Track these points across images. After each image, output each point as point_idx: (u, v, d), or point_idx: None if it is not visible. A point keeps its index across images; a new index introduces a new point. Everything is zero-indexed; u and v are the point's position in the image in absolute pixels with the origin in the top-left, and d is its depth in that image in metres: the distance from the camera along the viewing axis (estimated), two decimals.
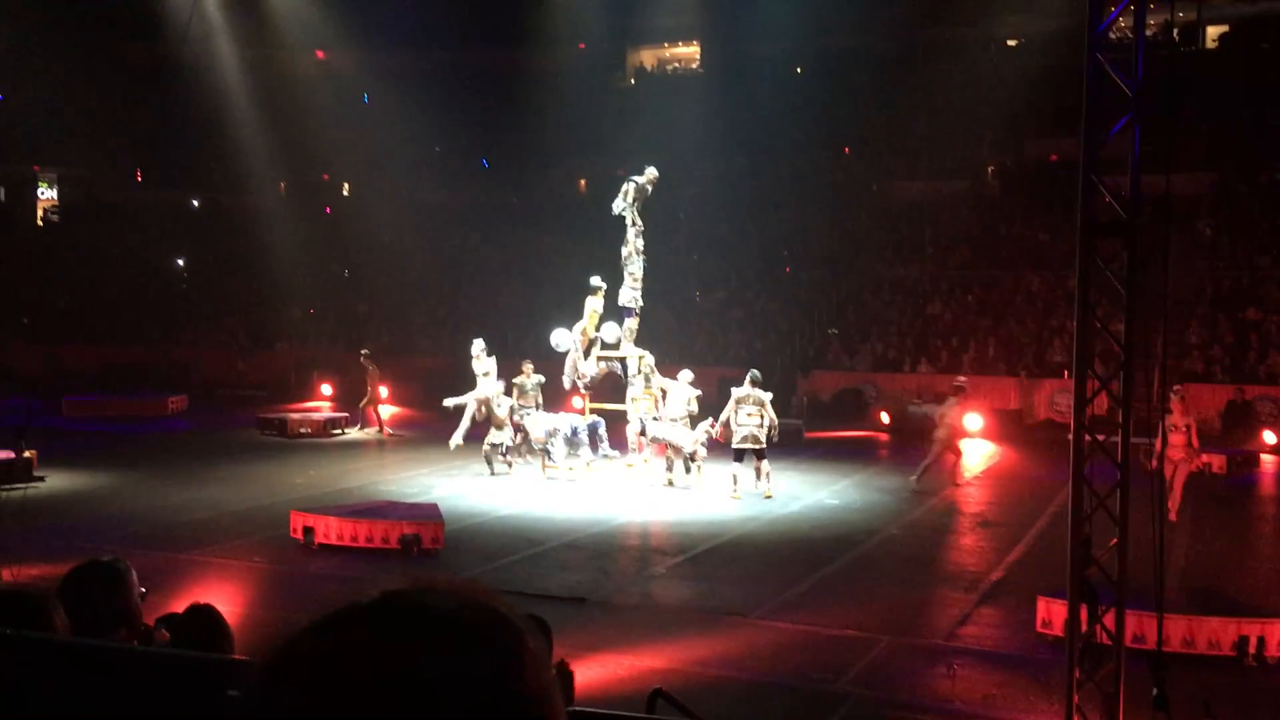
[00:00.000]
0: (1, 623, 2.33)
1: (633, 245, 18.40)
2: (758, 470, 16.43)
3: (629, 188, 18.47)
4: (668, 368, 18.35)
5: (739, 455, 16.50)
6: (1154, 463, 9.54)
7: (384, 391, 23.41)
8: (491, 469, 17.90)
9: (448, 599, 0.94)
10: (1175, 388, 16.59)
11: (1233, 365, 24.24)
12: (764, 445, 16.43)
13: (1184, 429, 14.59)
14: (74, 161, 40.08)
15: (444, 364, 30.32)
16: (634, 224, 18.39)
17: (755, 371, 17.02)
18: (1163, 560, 9.06)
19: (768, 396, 16.64)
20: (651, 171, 18.70)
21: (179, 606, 7.24)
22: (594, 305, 18.45)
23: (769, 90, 33.94)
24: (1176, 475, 14.57)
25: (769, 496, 16.27)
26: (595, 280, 18.55)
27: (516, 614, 0.96)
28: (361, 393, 23.16)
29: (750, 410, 16.42)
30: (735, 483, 16.41)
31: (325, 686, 0.89)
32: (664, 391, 17.93)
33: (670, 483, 17.27)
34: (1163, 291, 7.73)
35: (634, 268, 18.41)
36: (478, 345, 18.70)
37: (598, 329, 18.46)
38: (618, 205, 18.56)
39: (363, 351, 23.53)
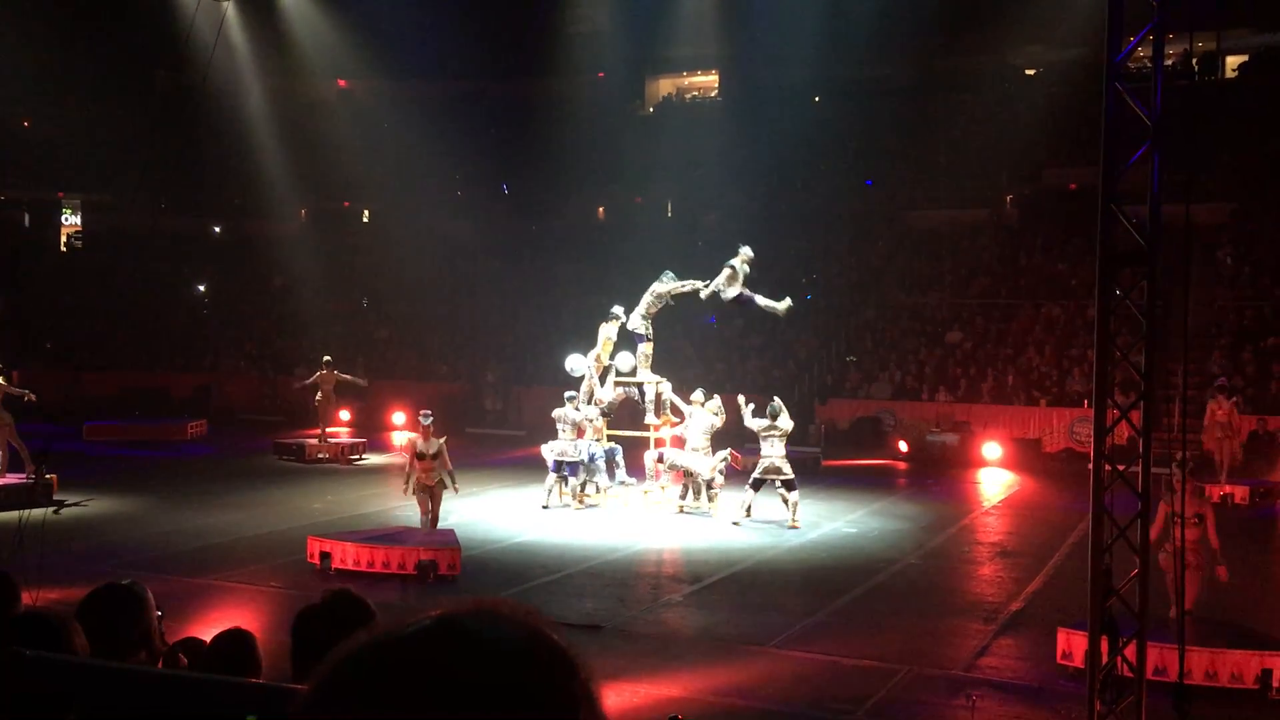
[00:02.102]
0: (23, 645, 2.35)
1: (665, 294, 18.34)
2: (784, 500, 16.34)
3: (727, 273, 18.34)
4: (686, 395, 18.26)
5: (757, 485, 16.42)
6: (1176, 494, 9.45)
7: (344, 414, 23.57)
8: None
9: (510, 629, 0.90)
10: (1221, 381, 16.84)
11: (1255, 396, 24.05)
12: (791, 476, 16.33)
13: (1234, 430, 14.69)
14: (98, 188, 40.45)
15: (462, 390, 30.44)
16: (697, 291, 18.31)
17: (777, 400, 16.96)
18: (1184, 592, 8.99)
19: (789, 426, 16.55)
20: (747, 252, 18.57)
21: (197, 630, 7.26)
22: (608, 333, 18.46)
23: (787, 119, 34.04)
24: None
25: (794, 527, 16.15)
26: (615, 309, 18.60)
27: (577, 650, 0.93)
28: (327, 398, 23.12)
29: (775, 440, 16.32)
30: (748, 512, 16.33)
31: (376, 713, 0.84)
32: (675, 414, 17.90)
33: (683, 509, 17.21)
34: (1183, 322, 7.69)
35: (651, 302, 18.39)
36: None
37: (612, 356, 18.45)
38: (717, 286, 18.27)
39: (325, 359, 23.50)
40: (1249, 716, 8.73)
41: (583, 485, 17.63)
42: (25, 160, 37.80)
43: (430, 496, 14.57)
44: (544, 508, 17.32)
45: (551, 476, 17.55)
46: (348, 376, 23.42)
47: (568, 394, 17.97)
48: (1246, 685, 9.29)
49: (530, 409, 27.33)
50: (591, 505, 17.63)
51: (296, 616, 3.06)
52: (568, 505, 17.56)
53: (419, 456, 14.53)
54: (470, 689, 0.84)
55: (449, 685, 0.85)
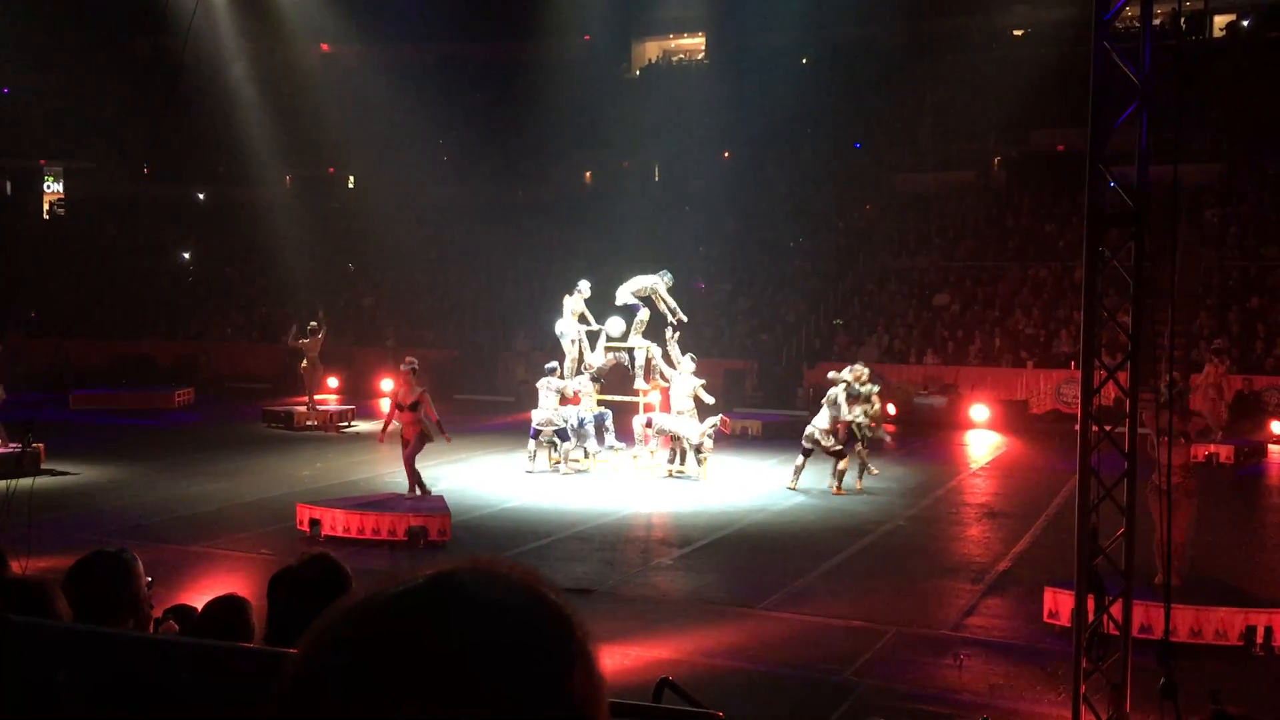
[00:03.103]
0: (8, 611, 2.34)
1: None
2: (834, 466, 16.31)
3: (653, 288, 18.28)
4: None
5: (806, 450, 16.39)
6: (1162, 451, 9.51)
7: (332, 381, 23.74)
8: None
9: (506, 588, 0.89)
10: (1218, 343, 17.02)
11: (1240, 356, 24.17)
12: (824, 445, 16.06)
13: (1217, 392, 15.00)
14: (80, 155, 40.13)
15: (449, 356, 30.38)
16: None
17: (853, 367, 16.82)
18: (1170, 550, 9.06)
19: (839, 391, 16.09)
20: (667, 277, 18.49)
21: (187, 598, 7.27)
22: (573, 306, 18.32)
23: (774, 81, 33.88)
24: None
25: (838, 492, 16.12)
26: (581, 283, 18.44)
27: (573, 609, 0.91)
28: (313, 365, 22.93)
29: (824, 407, 16.20)
30: (795, 475, 16.42)
31: (369, 673, 0.83)
32: (665, 379, 17.89)
33: (672, 474, 17.27)
34: (1170, 282, 7.71)
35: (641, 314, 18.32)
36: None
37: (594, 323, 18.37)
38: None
39: (311, 325, 23.16)
40: (1233, 672, 8.83)
41: (567, 453, 17.63)
42: (6, 128, 37.41)
43: (405, 455, 14.27)
44: (527, 473, 17.37)
45: (532, 443, 17.59)
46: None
47: (548, 365, 17.99)
48: (1231, 642, 9.38)
49: (517, 374, 27.33)
50: (580, 470, 17.66)
51: (271, 579, 3.05)
52: (558, 469, 17.58)
53: (399, 407, 14.41)
54: (465, 648, 0.84)
55: (443, 644, 0.84)
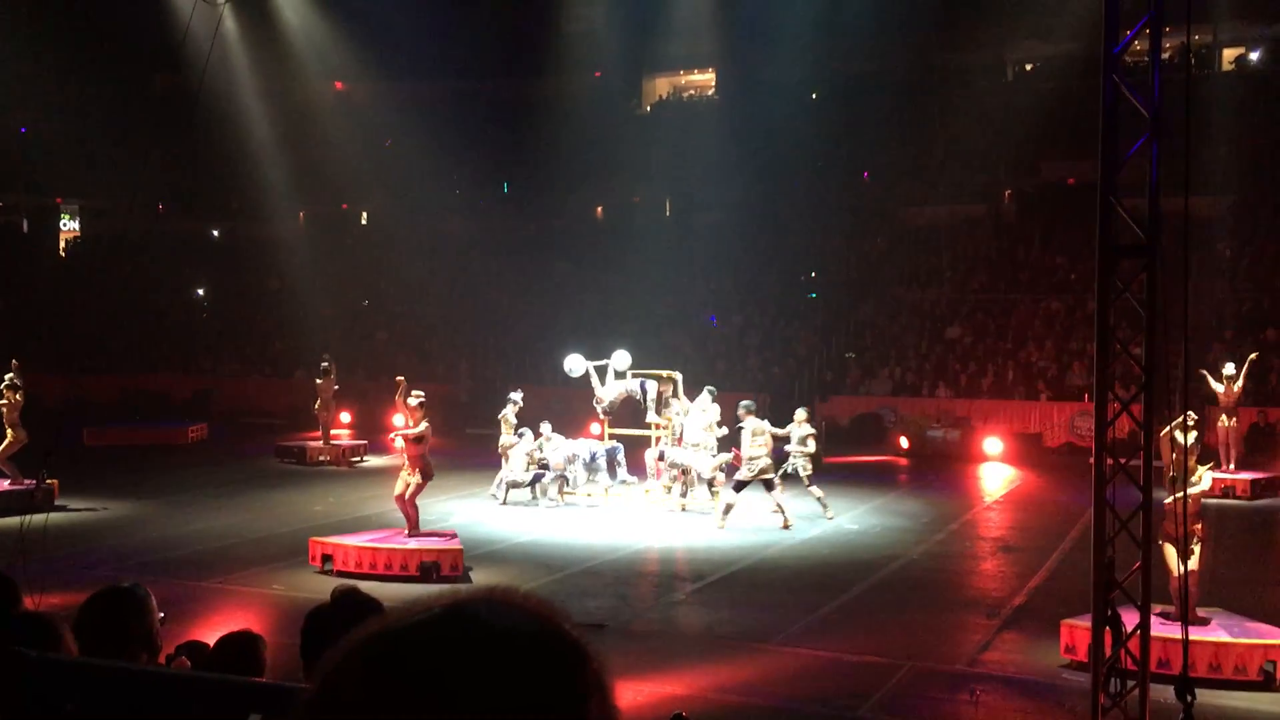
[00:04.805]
0: (21, 646, 2.34)
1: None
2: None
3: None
4: (690, 391, 18.19)
5: (739, 486, 16.07)
6: (1173, 487, 9.45)
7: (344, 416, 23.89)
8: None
9: (522, 618, 0.88)
10: (1252, 356, 17.49)
11: (1254, 388, 24.04)
12: (765, 477, 15.87)
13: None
14: (96, 193, 40.44)
15: (462, 390, 30.40)
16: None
17: (746, 402, 16.61)
18: (1188, 584, 8.98)
19: (764, 424, 16.10)
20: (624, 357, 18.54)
21: (199, 634, 7.26)
22: (506, 414, 18.09)
23: (785, 116, 34.00)
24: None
25: (786, 527, 15.90)
26: (513, 395, 18.27)
27: (589, 640, 0.91)
28: (325, 406, 23.00)
29: (758, 441, 15.92)
30: (724, 513, 15.86)
31: (384, 703, 0.83)
32: (663, 410, 17.85)
33: (684, 508, 17.18)
34: (1182, 314, 7.69)
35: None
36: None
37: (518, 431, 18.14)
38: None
39: (323, 365, 23.14)
40: (1252, 709, 8.73)
41: (544, 489, 17.67)
42: (23, 166, 37.77)
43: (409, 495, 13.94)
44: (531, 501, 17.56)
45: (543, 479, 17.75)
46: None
47: (511, 395, 18.19)
48: (1250, 677, 9.28)
49: (529, 408, 27.29)
50: (591, 504, 17.63)
51: (307, 616, 3.06)
52: (571, 502, 17.56)
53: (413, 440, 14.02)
54: (480, 678, 0.83)
55: (458, 674, 0.83)
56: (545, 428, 18.21)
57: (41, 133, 37.25)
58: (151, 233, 38.90)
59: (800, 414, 17.17)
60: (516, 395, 18.25)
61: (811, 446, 16.77)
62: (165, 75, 36.40)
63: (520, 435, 17.97)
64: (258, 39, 35.40)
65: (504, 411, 18.10)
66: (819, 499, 16.60)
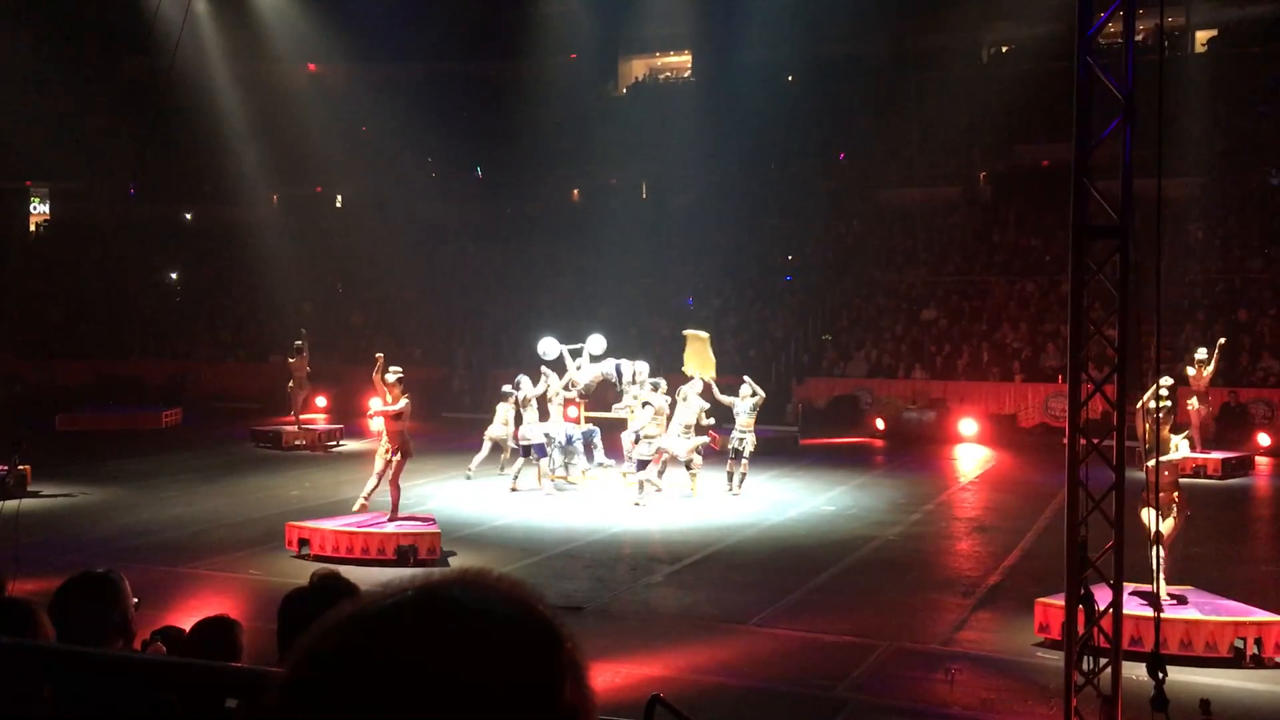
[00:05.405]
0: None
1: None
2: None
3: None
4: (675, 378, 18.06)
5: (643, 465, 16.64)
6: (1147, 462, 9.54)
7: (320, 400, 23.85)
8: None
9: (494, 600, 0.89)
10: (1221, 341, 17.80)
11: (1226, 368, 24.28)
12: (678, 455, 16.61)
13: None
14: (66, 176, 40.02)
15: (438, 374, 30.32)
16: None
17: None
18: (1160, 563, 9.08)
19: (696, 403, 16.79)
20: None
21: (175, 619, 7.23)
22: (505, 414, 18.15)
23: (761, 98, 33.99)
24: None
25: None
26: (506, 389, 18.18)
27: (562, 621, 0.91)
28: (299, 385, 22.92)
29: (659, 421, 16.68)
30: (641, 489, 16.41)
31: (358, 686, 0.83)
32: (649, 400, 17.77)
33: (659, 490, 17.16)
34: (1155, 295, 7.76)
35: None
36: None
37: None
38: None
39: (297, 343, 22.99)
40: (1223, 685, 8.84)
41: (548, 469, 17.55)
42: None
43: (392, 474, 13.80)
44: (512, 490, 17.33)
45: (520, 460, 17.53)
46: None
47: (505, 388, 18.03)
48: (1221, 654, 9.40)
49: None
50: (567, 487, 17.61)
51: (284, 599, 3.05)
52: (554, 485, 17.52)
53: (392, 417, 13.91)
54: (453, 660, 0.84)
55: (431, 657, 0.83)
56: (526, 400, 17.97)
57: (9, 115, 36.81)
58: (123, 216, 38.58)
59: (745, 389, 17.25)
60: (509, 388, 17.97)
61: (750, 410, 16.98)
62: (136, 58, 36.03)
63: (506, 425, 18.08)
64: (229, 20, 35.07)
65: (500, 405, 18.08)
66: (734, 475, 16.90)
